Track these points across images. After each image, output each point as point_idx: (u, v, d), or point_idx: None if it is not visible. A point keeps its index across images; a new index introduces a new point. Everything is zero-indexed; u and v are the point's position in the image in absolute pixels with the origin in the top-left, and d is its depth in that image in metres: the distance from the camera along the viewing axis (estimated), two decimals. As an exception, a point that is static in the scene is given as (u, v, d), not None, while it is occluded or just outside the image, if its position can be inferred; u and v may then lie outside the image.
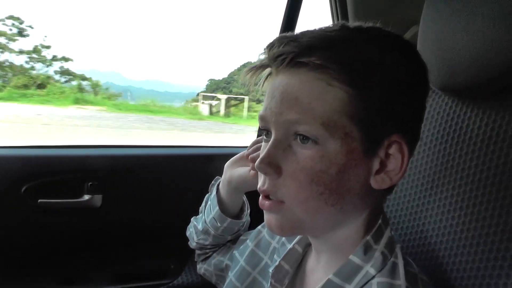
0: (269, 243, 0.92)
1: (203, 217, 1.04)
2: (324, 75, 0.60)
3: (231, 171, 0.98)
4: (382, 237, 0.67)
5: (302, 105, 0.61)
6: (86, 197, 1.49)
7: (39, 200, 1.44)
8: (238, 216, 1.04)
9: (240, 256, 0.97)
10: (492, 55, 0.73)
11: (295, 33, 0.64)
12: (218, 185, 1.04)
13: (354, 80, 0.60)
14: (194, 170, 1.66)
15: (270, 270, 0.82)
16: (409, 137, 0.64)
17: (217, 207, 0.99)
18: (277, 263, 0.81)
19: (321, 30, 0.64)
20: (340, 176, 0.62)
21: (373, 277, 0.63)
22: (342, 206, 0.64)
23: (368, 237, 0.67)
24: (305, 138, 0.62)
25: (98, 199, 1.51)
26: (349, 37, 0.63)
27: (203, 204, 1.08)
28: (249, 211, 1.06)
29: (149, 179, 1.60)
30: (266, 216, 0.69)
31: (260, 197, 0.68)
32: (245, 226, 1.06)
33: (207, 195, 1.08)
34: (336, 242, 0.69)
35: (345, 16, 1.51)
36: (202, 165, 1.65)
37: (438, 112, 0.91)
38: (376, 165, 0.64)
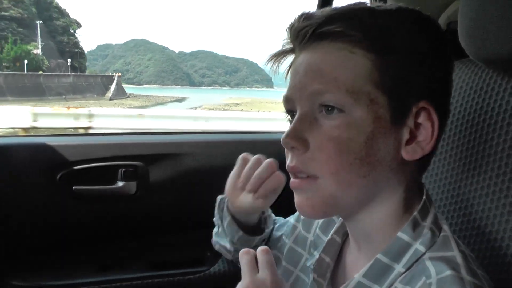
0: (306, 238, 0.90)
1: (229, 237, 0.97)
2: (346, 43, 0.61)
3: (232, 205, 0.93)
4: (428, 213, 0.66)
5: (326, 75, 0.62)
6: (120, 183, 1.51)
7: (73, 187, 1.47)
8: (263, 223, 1.00)
9: (279, 253, 0.94)
10: None
11: (316, 11, 0.65)
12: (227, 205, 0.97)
13: (376, 46, 0.61)
14: (232, 157, 1.63)
15: (309, 264, 0.80)
16: (437, 106, 0.64)
17: (241, 232, 0.94)
18: (317, 256, 0.78)
19: (342, 5, 0.65)
20: (369, 144, 0.61)
21: (423, 253, 0.62)
22: (374, 178, 0.63)
23: (415, 213, 0.65)
24: (330, 109, 0.62)
25: (132, 186, 1.52)
26: (369, 8, 0.64)
27: (217, 219, 1.00)
28: (270, 211, 1.02)
29: (185, 166, 1.60)
30: (296, 197, 0.68)
31: (291, 177, 0.67)
32: (273, 225, 1.02)
33: (216, 209, 1.00)
34: (374, 224, 0.67)
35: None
36: (241, 152, 1.64)
37: (471, 86, 0.90)
38: (405, 135, 0.63)
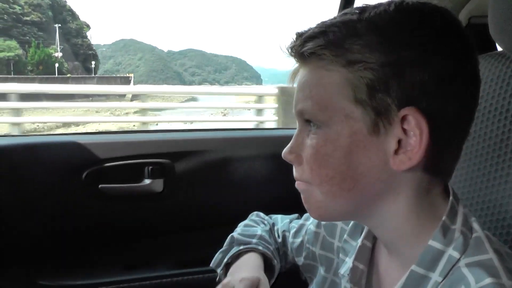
0: (332, 243, 0.89)
1: None
2: (323, 61, 0.63)
3: None
4: (457, 215, 0.64)
5: (306, 94, 0.66)
6: (147, 181, 1.50)
7: (99, 186, 1.46)
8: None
9: (314, 262, 0.94)
10: None
11: (310, 26, 0.66)
12: None
13: (348, 62, 0.61)
14: (255, 152, 1.65)
15: (342, 272, 0.80)
16: (430, 111, 0.60)
17: None
18: (350, 264, 0.77)
19: (335, 17, 0.66)
20: (348, 159, 0.63)
21: (459, 260, 0.60)
22: (361, 190, 0.64)
23: (444, 217, 0.63)
24: (313, 125, 0.66)
25: (159, 184, 1.51)
26: (345, 21, 0.63)
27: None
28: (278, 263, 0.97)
29: (210, 163, 1.59)
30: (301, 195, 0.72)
31: None
32: (288, 232, 1.01)
33: None
34: (391, 232, 0.68)
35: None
36: (264, 148, 1.65)
37: (503, 79, 0.87)
38: (392, 145, 0.61)
